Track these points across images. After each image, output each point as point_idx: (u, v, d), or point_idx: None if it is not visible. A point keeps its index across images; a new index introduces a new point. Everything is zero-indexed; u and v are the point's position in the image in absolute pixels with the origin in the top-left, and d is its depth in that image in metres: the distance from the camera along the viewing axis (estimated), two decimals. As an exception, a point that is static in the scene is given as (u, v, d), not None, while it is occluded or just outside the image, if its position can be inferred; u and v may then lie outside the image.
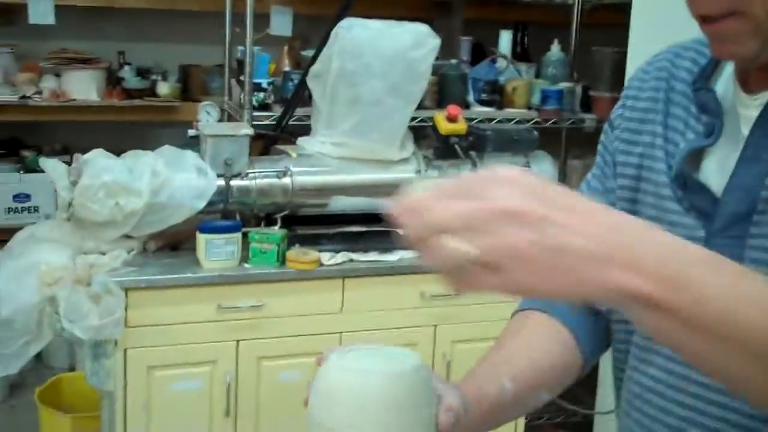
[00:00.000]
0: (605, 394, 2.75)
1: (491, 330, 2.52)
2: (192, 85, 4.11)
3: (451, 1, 3.66)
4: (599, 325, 1.03)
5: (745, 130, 0.85)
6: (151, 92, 4.03)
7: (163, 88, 3.99)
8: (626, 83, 1.04)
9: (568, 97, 2.92)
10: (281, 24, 3.20)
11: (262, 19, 2.81)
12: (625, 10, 2.77)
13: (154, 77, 4.09)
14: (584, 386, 2.99)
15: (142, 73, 4.09)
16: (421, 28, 2.45)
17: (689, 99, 0.93)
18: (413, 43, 2.42)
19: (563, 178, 3.12)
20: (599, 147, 1.05)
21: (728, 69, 0.90)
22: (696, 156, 0.88)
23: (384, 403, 0.80)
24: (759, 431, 0.82)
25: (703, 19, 0.81)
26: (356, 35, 2.42)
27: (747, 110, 0.85)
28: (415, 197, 0.64)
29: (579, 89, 3.00)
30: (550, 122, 2.92)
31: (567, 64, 3.06)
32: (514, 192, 0.61)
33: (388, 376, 0.81)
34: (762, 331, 0.62)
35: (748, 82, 0.86)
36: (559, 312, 1.02)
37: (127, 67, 4.07)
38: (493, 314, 2.51)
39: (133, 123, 3.86)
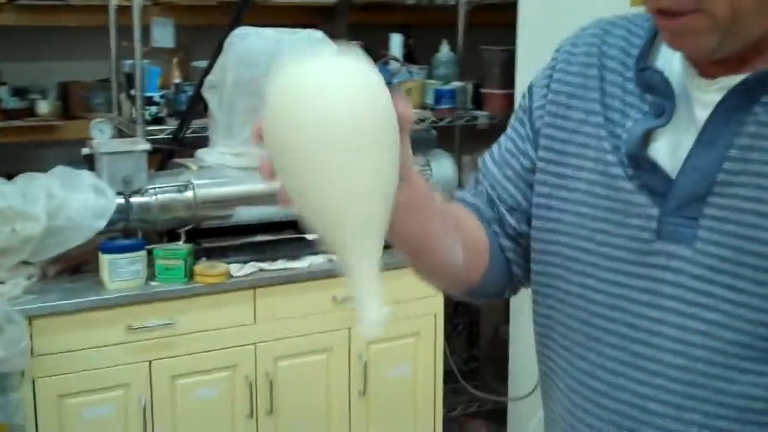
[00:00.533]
0: (516, 382, 2.82)
1: (407, 328, 2.56)
2: (73, 103, 3.98)
3: (334, 7, 3.68)
4: (503, 256, 1.04)
5: (700, 113, 0.86)
6: (31, 112, 3.88)
7: (43, 107, 3.85)
8: (552, 56, 1.03)
9: (460, 95, 2.98)
10: (163, 36, 3.15)
11: (142, 32, 2.73)
12: (510, 9, 2.86)
13: (32, 96, 3.95)
14: (496, 375, 3.07)
15: (19, 92, 3.94)
16: (316, 35, 2.46)
17: (624, 77, 0.93)
18: (309, 49, 2.42)
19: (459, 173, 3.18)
20: (517, 112, 1.05)
21: (666, 48, 0.91)
22: (645, 136, 0.89)
23: (354, 83, 0.78)
24: (726, 406, 0.84)
25: (661, 13, 0.82)
26: (251, 44, 2.41)
27: (703, 94, 0.86)
28: None
29: (470, 87, 3.06)
30: (445, 121, 2.97)
31: (457, 64, 3.13)
32: None
33: (368, 70, 0.78)
34: None
35: (703, 68, 0.87)
36: (479, 215, 1.05)
37: (3, 87, 3.92)
38: (407, 311, 2.55)
39: (14, 145, 3.71)
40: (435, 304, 2.62)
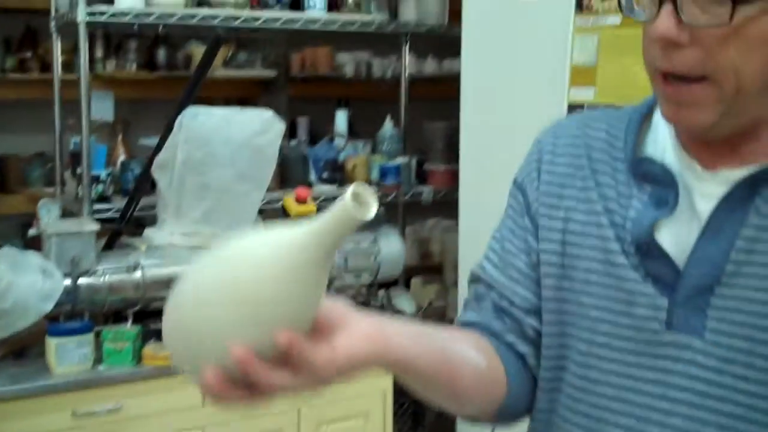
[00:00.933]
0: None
1: (357, 407, 2.55)
2: (10, 176, 3.92)
3: (274, 80, 3.72)
4: (523, 367, 1.00)
5: (702, 205, 0.88)
6: (-36, 186, 3.81)
7: (-21, 181, 3.79)
8: (533, 149, 1.04)
9: (405, 171, 3.04)
10: (103, 109, 3.15)
11: (75, 105, 2.71)
12: (450, 82, 2.93)
13: (-35, 171, 3.88)
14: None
15: (-48, 166, 3.87)
16: (266, 114, 2.49)
17: (613, 168, 0.94)
18: (259, 129, 2.45)
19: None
20: (508, 210, 1.04)
21: (653, 138, 0.93)
22: (649, 225, 0.90)
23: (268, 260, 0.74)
24: None
25: (666, 79, 0.84)
26: (201, 123, 2.42)
27: (705, 185, 0.88)
28: None
29: (414, 163, 3.12)
30: (391, 197, 3.02)
31: (400, 139, 3.19)
32: None
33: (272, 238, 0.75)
34: None
35: (703, 156, 0.89)
36: (489, 337, 0.99)
37: (-63, 160, 3.84)
38: (357, 390, 2.55)
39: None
40: (384, 382, 2.62)
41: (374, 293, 3.14)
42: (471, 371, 0.93)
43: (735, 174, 0.86)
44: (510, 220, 1.04)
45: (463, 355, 0.93)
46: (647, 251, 0.90)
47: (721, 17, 0.78)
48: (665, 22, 0.81)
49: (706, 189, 0.88)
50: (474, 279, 1.06)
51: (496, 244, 1.05)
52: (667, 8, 0.81)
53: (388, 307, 3.14)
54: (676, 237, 0.89)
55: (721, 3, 0.78)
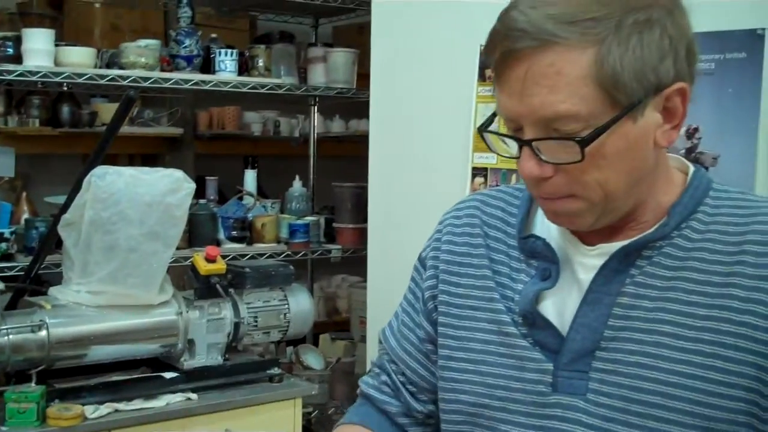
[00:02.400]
0: None
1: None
2: None
3: (181, 138, 3.75)
4: None
5: (583, 275, 0.97)
6: None
7: None
8: (436, 228, 1.14)
9: (314, 229, 3.10)
10: (4, 165, 3.12)
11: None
12: (358, 141, 3.02)
13: None
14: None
15: None
16: (177, 174, 2.51)
17: (507, 245, 1.03)
18: (169, 189, 2.47)
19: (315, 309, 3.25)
20: (410, 284, 1.14)
21: (542, 214, 1.02)
22: (536, 296, 0.99)
23: None
24: None
25: (544, 198, 0.93)
26: (110, 183, 2.42)
27: (585, 258, 0.97)
28: None
29: (323, 221, 3.19)
30: (300, 255, 3.06)
31: (309, 198, 3.25)
32: None
33: None
34: None
35: (582, 235, 0.98)
36: (377, 425, 1.11)
37: None
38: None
39: None
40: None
41: (283, 350, 3.16)
42: None
43: (612, 246, 0.95)
44: (410, 293, 1.14)
45: None
46: (533, 321, 0.99)
47: (575, 156, 0.88)
48: (528, 164, 0.91)
49: (586, 261, 0.97)
50: (380, 340, 1.17)
51: (399, 313, 1.15)
52: (527, 151, 0.90)
53: (296, 364, 3.17)
54: (559, 306, 0.98)
55: (571, 147, 0.87)
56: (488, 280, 1.03)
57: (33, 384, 2.31)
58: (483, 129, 0.96)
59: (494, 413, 1.00)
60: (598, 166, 0.88)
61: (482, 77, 2.50)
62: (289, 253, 3.04)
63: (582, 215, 0.92)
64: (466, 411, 1.02)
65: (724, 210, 0.95)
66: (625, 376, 0.92)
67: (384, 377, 1.14)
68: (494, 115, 0.96)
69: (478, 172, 2.52)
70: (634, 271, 0.94)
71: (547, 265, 0.99)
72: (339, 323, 3.76)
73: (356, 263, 3.30)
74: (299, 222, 3.06)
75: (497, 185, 2.43)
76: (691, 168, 0.99)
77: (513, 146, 0.92)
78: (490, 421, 1.00)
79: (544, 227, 1.02)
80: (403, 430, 1.13)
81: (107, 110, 3.22)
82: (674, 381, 0.90)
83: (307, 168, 3.50)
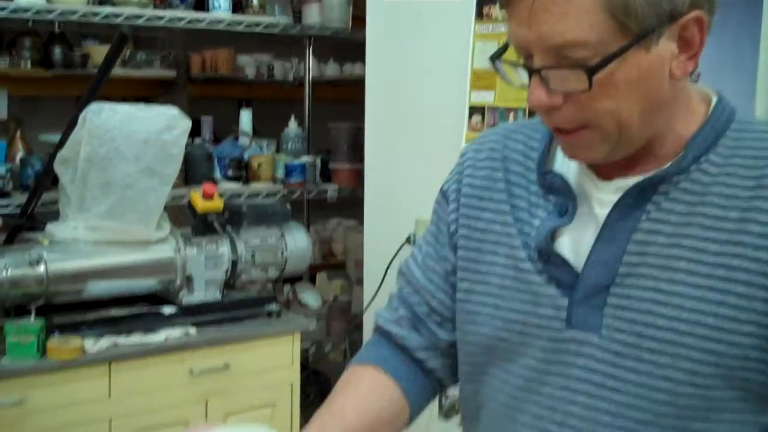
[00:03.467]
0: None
1: (263, 398, 2.60)
2: None
3: (174, 81, 3.73)
4: (428, 381, 1.12)
5: (599, 211, 0.96)
6: None
7: None
8: (458, 161, 1.13)
9: (310, 170, 3.10)
10: (-5, 106, 3.11)
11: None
12: (353, 85, 3.02)
13: None
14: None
15: None
16: (172, 111, 2.51)
17: (528, 179, 1.03)
18: (165, 125, 2.47)
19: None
20: (433, 216, 1.14)
21: (561, 152, 1.00)
22: (551, 233, 0.98)
23: None
24: None
25: (557, 130, 0.93)
26: (105, 120, 2.42)
27: (601, 193, 0.96)
28: None
29: (319, 162, 3.19)
30: (296, 195, 3.07)
31: (304, 139, 3.25)
32: None
33: None
34: None
35: (599, 169, 0.97)
36: (390, 366, 1.10)
37: None
38: (263, 381, 2.59)
39: None
40: (291, 374, 2.67)
41: (280, 288, 3.19)
42: (384, 428, 1.07)
43: (627, 182, 0.95)
44: (433, 226, 1.13)
45: (379, 422, 1.07)
46: (548, 257, 0.98)
47: (582, 84, 0.87)
48: (536, 93, 0.90)
49: (603, 197, 0.96)
50: (400, 272, 1.16)
51: (423, 245, 1.14)
52: (536, 80, 0.89)
53: (293, 302, 3.20)
54: (576, 242, 0.98)
55: (579, 75, 0.86)
56: (507, 215, 1.03)
57: (33, 318, 2.33)
58: (495, 57, 0.95)
59: (511, 347, 1.01)
60: (609, 95, 0.88)
61: (480, 15, 2.48)
62: (285, 192, 3.05)
63: (596, 147, 0.92)
64: (484, 344, 1.03)
65: (745, 143, 0.93)
66: (638, 312, 0.92)
67: (402, 311, 1.13)
68: (507, 45, 0.95)
69: (475, 111, 2.52)
70: (650, 207, 0.94)
71: (564, 201, 0.99)
72: (334, 266, 3.77)
73: (351, 206, 3.31)
74: (295, 162, 3.06)
75: (495, 124, 2.43)
76: (714, 98, 0.97)
77: (524, 76, 0.91)
78: (507, 354, 1.01)
79: (564, 162, 1.01)
80: (421, 365, 1.12)
81: (99, 52, 3.20)
82: (686, 317, 0.90)
83: (302, 111, 3.48)
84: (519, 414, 0.99)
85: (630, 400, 0.92)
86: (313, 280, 3.46)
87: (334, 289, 3.34)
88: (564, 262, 0.97)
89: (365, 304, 2.85)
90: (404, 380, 1.10)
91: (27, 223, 2.56)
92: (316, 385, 3.26)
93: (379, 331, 1.15)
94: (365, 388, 1.09)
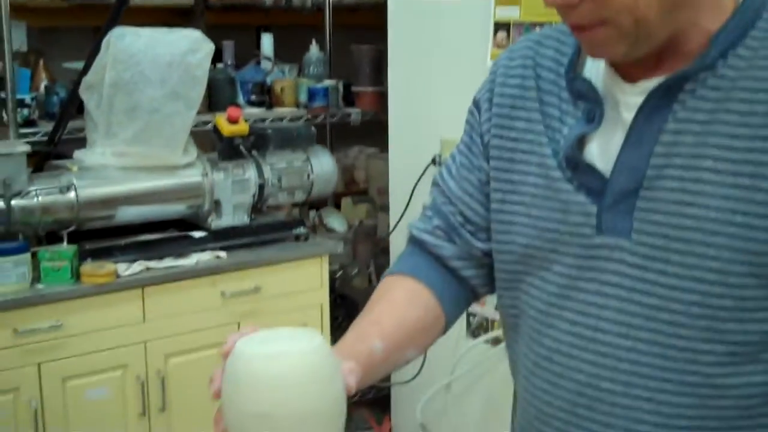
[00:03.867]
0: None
1: (294, 320, 2.62)
2: None
3: (191, 8, 3.68)
4: (462, 289, 1.13)
5: (626, 115, 0.94)
6: None
7: None
8: (491, 70, 1.11)
9: (332, 93, 3.08)
10: (15, 38, 3.09)
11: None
12: (374, 11, 2.97)
13: None
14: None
15: None
16: (195, 34, 2.49)
17: (559, 86, 1.01)
18: (188, 48, 2.45)
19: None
20: (466, 126, 1.13)
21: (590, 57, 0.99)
22: (582, 140, 0.98)
23: (306, 379, 0.85)
24: (668, 381, 0.93)
25: (575, 27, 0.91)
26: (129, 44, 2.41)
27: (627, 97, 0.94)
28: None
29: (341, 86, 3.17)
30: (319, 119, 3.06)
31: (326, 63, 3.22)
32: None
33: (305, 353, 0.86)
34: None
35: (625, 71, 0.96)
36: (425, 275, 1.11)
37: None
38: (294, 303, 2.62)
39: None
40: (321, 296, 2.70)
41: (306, 213, 3.20)
42: (421, 336, 1.10)
43: (652, 83, 0.92)
44: (466, 135, 1.12)
45: (416, 330, 1.09)
46: (575, 164, 0.98)
47: None
48: None
49: (629, 100, 0.95)
50: (434, 184, 1.16)
51: (456, 156, 1.13)
52: None
53: (319, 227, 3.21)
54: (604, 148, 0.96)
55: None
56: (538, 124, 1.02)
57: (65, 244, 2.35)
58: None
59: (545, 255, 1.00)
60: None
61: (503, -73, 2.44)
62: (309, 117, 3.03)
63: (614, 44, 0.89)
64: (519, 252, 1.03)
65: None
66: (666, 214, 0.91)
67: (437, 221, 1.13)
68: None
69: (500, 27, 2.48)
70: (676, 107, 0.91)
71: (592, 106, 0.97)
72: (357, 193, 3.77)
73: (374, 134, 3.29)
74: (318, 86, 3.04)
75: (519, 41, 2.39)
76: None
77: None
78: (541, 262, 1.01)
79: (593, 67, 1.00)
80: (456, 274, 1.12)
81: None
82: (713, 216, 0.89)
83: (322, 37, 3.44)
84: (555, 320, 1.00)
85: (660, 302, 0.92)
86: (338, 207, 3.47)
87: (359, 214, 3.35)
88: (592, 169, 0.96)
89: (390, 228, 2.86)
90: (439, 289, 1.11)
91: (55, 151, 2.57)
92: (343, 308, 3.30)
93: (413, 241, 1.15)
94: (401, 296, 1.10)
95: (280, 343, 0.87)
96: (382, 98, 3.04)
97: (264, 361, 0.84)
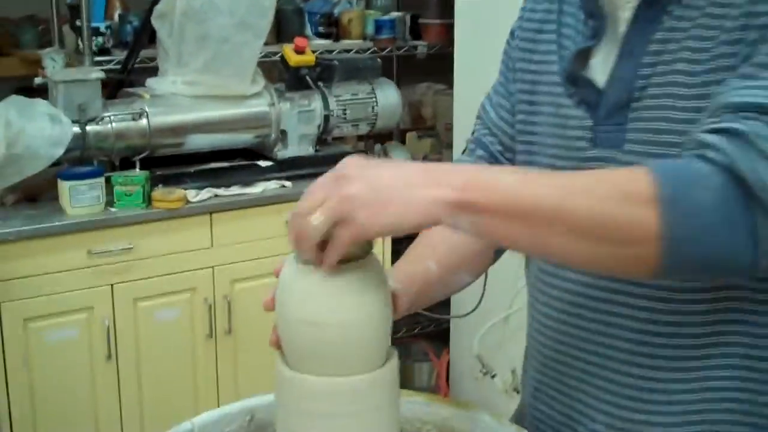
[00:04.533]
0: (458, 301, 2.97)
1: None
2: (1, 39, 3.91)
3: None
4: None
5: (621, 29, 0.97)
6: (-43, 50, 3.80)
7: (-30, 44, 3.78)
8: None
9: (399, 26, 3.07)
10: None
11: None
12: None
13: (-42, 33, 3.86)
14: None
15: (-57, 29, 3.84)
16: (265, -35, 2.50)
17: (578, 6, 1.04)
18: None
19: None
20: (503, 56, 1.16)
21: None
22: (585, 56, 1.00)
23: (352, 288, 0.87)
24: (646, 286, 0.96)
25: None
26: (200, -28, 2.43)
27: (623, 12, 0.97)
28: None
29: (408, 18, 3.15)
30: (385, 51, 3.06)
31: (394, -5, 3.21)
32: (344, 164, 0.80)
33: (351, 263, 0.87)
34: (581, 212, 0.78)
35: None
36: None
37: (-74, 24, 3.81)
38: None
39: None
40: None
41: (371, 147, 3.23)
42: (473, 260, 1.11)
43: None
44: (503, 64, 1.16)
45: (469, 253, 1.10)
46: (575, 79, 1.00)
47: None
48: None
49: (623, 15, 0.97)
50: (477, 115, 1.19)
51: (496, 85, 1.17)
52: None
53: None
54: (605, 64, 0.98)
55: None
56: (552, 44, 1.05)
57: (137, 169, 2.42)
58: None
59: (548, 169, 1.03)
60: None
61: None
62: (375, 49, 3.03)
63: None
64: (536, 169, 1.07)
65: None
66: (649, 121, 0.93)
67: (480, 152, 1.16)
68: None
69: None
70: (664, 18, 0.93)
71: (598, 23, 1.00)
72: (424, 130, 3.78)
73: (441, 70, 3.28)
74: (385, 17, 3.03)
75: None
76: None
77: None
78: None
79: None
80: None
81: None
82: (686, 119, 0.90)
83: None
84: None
85: None
86: (403, 143, 3.48)
87: (424, 148, 3.36)
88: (590, 83, 0.98)
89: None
90: None
91: (128, 79, 2.63)
92: (406, 238, 3.33)
93: None
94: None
95: None
96: (449, 31, 3.02)
97: (311, 271, 0.87)
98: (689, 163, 0.80)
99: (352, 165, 0.79)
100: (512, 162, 1.13)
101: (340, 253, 0.81)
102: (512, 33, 1.14)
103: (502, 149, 1.14)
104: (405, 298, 0.97)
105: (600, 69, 0.99)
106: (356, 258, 0.88)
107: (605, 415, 1.01)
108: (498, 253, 1.17)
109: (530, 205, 0.78)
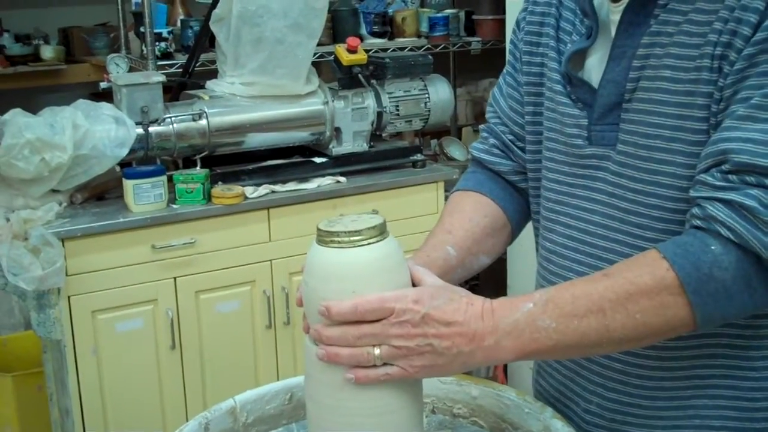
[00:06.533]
0: (515, 295, 3.00)
1: (410, 243, 2.72)
2: (74, 47, 4.10)
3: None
4: (523, 201, 1.22)
5: (613, 31, 1.01)
6: (34, 58, 3.99)
7: (47, 52, 3.97)
8: None
9: (453, 22, 3.12)
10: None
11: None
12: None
13: (35, 42, 4.05)
14: (495, 292, 3.24)
15: (21, 39, 4.04)
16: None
17: (576, 3, 1.08)
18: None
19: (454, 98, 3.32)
20: (510, 46, 1.21)
21: None
22: (582, 55, 1.05)
23: (372, 269, 0.93)
24: None
25: None
26: (254, -23, 2.52)
27: (614, 16, 1.02)
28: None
29: (462, 15, 3.20)
30: (440, 48, 3.11)
31: (448, -8, 3.26)
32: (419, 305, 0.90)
33: (372, 246, 0.94)
34: (624, 331, 0.89)
35: None
36: (488, 189, 1.20)
37: (5, 34, 4.01)
38: (409, 228, 2.72)
39: (19, 90, 3.82)
40: (436, 221, 2.77)
41: (427, 142, 3.28)
42: (490, 242, 1.18)
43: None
44: (511, 55, 1.21)
45: (485, 236, 1.17)
46: (570, 79, 1.05)
47: None
48: None
49: (615, 17, 1.01)
50: (489, 104, 1.25)
51: (506, 75, 1.22)
52: None
53: (440, 155, 3.28)
54: (599, 64, 1.03)
55: None
56: (552, 40, 1.09)
57: (198, 168, 2.53)
58: None
59: (546, 164, 1.10)
60: None
61: None
62: (430, 46, 3.09)
63: None
64: (537, 161, 1.13)
65: None
66: (638, 124, 0.97)
67: (492, 140, 1.21)
68: None
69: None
70: (652, 21, 0.96)
71: (592, 24, 1.04)
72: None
73: (496, 63, 3.31)
74: (439, 15, 3.09)
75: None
76: None
77: None
78: (547, 172, 1.11)
79: None
80: (515, 187, 1.21)
81: None
82: (670, 124, 0.94)
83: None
84: (555, 225, 1.10)
85: (630, 206, 0.99)
86: (459, 136, 3.53)
87: (480, 142, 3.40)
88: (584, 84, 1.03)
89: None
90: (502, 200, 1.20)
91: (189, 81, 2.74)
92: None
93: (475, 161, 1.25)
94: (469, 208, 1.19)
95: None
96: (502, 26, 3.05)
97: (332, 253, 0.93)
98: (702, 245, 0.87)
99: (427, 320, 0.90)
100: (523, 151, 1.18)
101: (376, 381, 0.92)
102: (518, 24, 1.18)
103: (513, 138, 1.19)
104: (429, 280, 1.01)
105: (594, 69, 1.04)
106: (376, 237, 0.93)
107: (598, 397, 1.08)
108: (514, 233, 1.22)
109: (578, 339, 0.90)
